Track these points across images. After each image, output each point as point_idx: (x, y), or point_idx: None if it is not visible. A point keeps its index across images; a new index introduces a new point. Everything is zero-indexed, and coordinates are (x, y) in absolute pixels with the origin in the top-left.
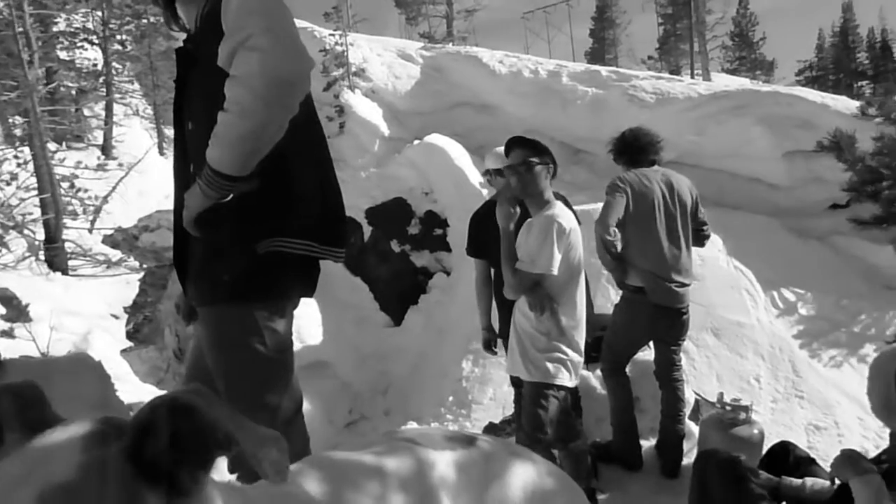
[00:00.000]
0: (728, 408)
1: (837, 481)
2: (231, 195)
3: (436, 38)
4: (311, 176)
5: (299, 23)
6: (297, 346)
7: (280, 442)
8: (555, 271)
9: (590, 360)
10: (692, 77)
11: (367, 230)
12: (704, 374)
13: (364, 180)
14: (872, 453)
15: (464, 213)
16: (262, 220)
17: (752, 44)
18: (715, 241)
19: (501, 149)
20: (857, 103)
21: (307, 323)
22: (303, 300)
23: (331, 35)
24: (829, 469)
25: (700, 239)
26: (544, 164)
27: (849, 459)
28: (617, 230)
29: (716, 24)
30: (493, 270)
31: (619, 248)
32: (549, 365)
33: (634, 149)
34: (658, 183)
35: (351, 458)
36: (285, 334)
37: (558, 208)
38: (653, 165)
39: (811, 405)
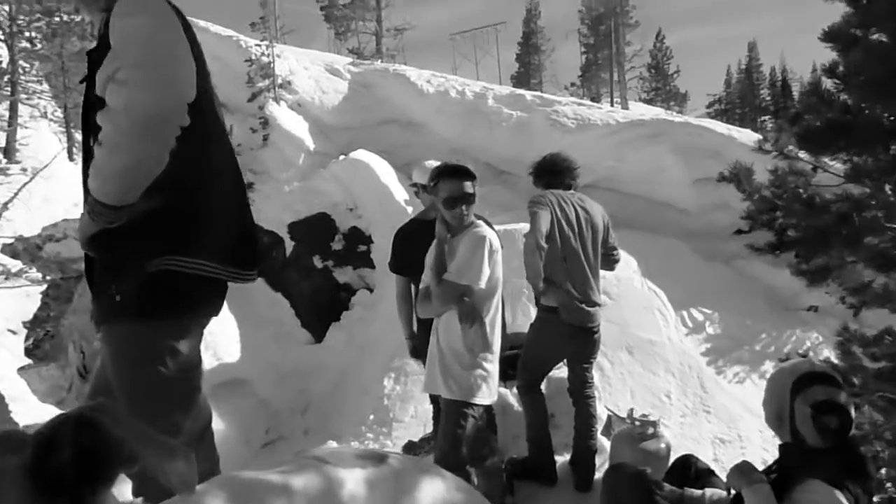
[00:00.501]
0: (638, 423)
1: (734, 491)
2: (120, 221)
3: (364, 54)
4: (215, 196)
5: (223, 31)
6: (212, 363)
7: (188, 454)
8: (482, 285)
9: (506, 377)
10: (611, 105)
11: (290, 245)
12: (619, 390)
13: (287, 194)
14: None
15: (388, 229)
16: (155, 239)
17: (667, 76)
18: (630, 263)
19: (430, 162)
20: (759, 136)
21: (224, 339)
22: (221, 316)
23: (257, 45)
24: (725, 480)
25: (610, 263)
26: (476, 189)
27: (741, 470)
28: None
29: (634, 56)
30: (414, 288)
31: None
32: (472, 382)
33: (553, 172)
34: (573, 206)
35: (258, 477)
36: (189, 354)
37: (485, 227)
38: (569, 189)
39: (717, 419)
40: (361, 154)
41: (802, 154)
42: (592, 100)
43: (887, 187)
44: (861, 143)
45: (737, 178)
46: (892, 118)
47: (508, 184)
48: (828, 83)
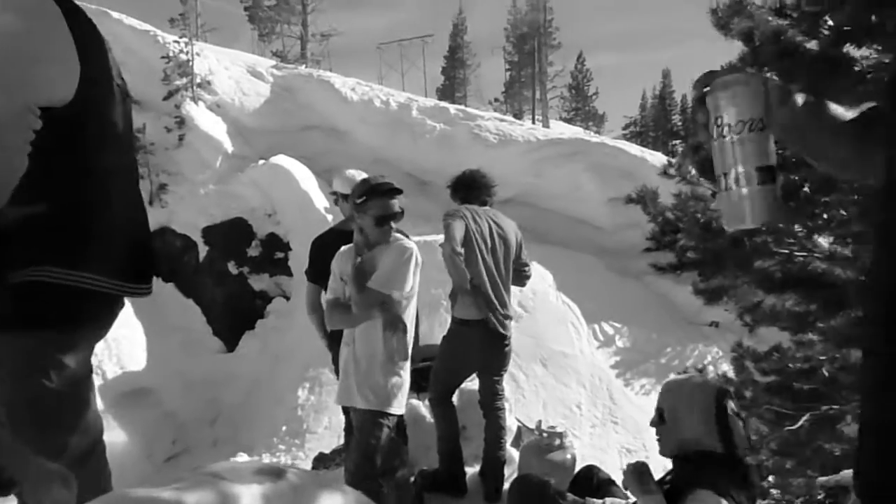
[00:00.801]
0: (545, 434)
1: (631, 497)
2: None
3: (289, 58)
4: (104, 202)
5: (139, 24)
6: (116, 371)
7: (67, 479)
8: (406, 295)
9: (419, 389)
10: (533, 122)
11: (203, 250)
12: (532, 401)
13: (203, 197)
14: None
15: (308, 236)
16: (27, 248)
17: (587, 97)
18: (545, 277)
19: (351, 171)
20: (668, 159)
21: (130, 347)
22: (127, 323)
23: (175, 42)
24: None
25: (521, 279)
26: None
27: (636, 473)
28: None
29: (556, 76)
30: (325, 296)
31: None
32: (389, 391)
33: (470, 188)
34: (487, 221)
35: (150, 494)
36: (78, 367)
37: (408, 240)
38: (484, 205)
39: (624, 430)
40: (282, 159)
41: (703, 180)
42: (515, 116)
43: None
44: None
45: (643, 200)
46: (780, 151)
47: (430, 195)
48: None
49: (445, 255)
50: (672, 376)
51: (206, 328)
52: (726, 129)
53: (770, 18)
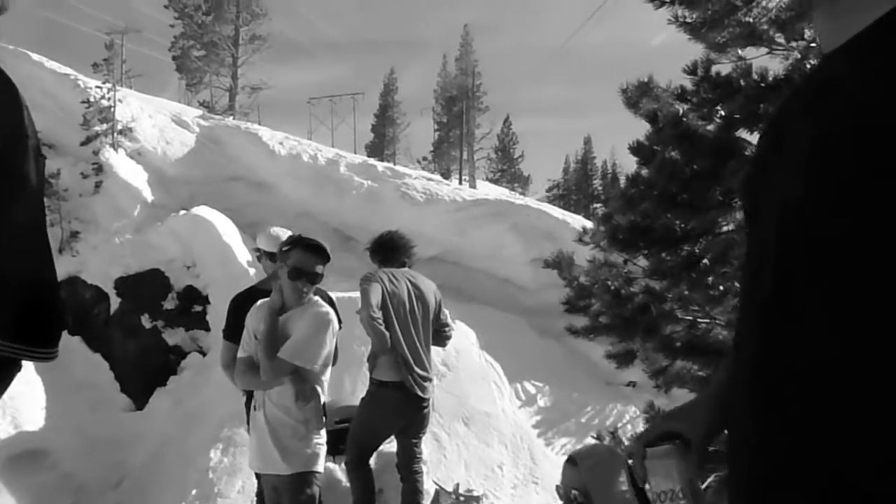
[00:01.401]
0: (462, 498)
1: None
2: None
3: (216, 108)
4: (6, 263)
5: (60, 68)
6: (9, 431)
7: None
8: (318, 367)
9: (336, 451)
10: (460, 182)
11: (115, 302)
12: (454, 461)
13: (118, 247)
14: None
15: (228, 291)
16: None
17: (513, 159)
18: (469, 335)
19: (276, 229)
20: (589, 223)
21: (27, 405)
22: (26, 379)
23: (97, 87)
24: None
25: (441, 339)
26: (324, 274)
27: None
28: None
29: (483, 138)
30: None
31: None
32: (311, 452)
33: (389, 249)
34: (405, 283)
35: None
36: None
37: (326, 306)
38: (403, 267)
39: (544, 490)
40: (204, 210)
41: (613, 249)
42: (443, 175)
43: (682, 284)
44: (659, 244)
45: (559, 265)
46: (682, 225)
47: (355, 251)
48: (632, 190)
49: (363, 321)
50: (574, 452)
51: (114, 385)
52: (652, 494)
53: (672, 102)
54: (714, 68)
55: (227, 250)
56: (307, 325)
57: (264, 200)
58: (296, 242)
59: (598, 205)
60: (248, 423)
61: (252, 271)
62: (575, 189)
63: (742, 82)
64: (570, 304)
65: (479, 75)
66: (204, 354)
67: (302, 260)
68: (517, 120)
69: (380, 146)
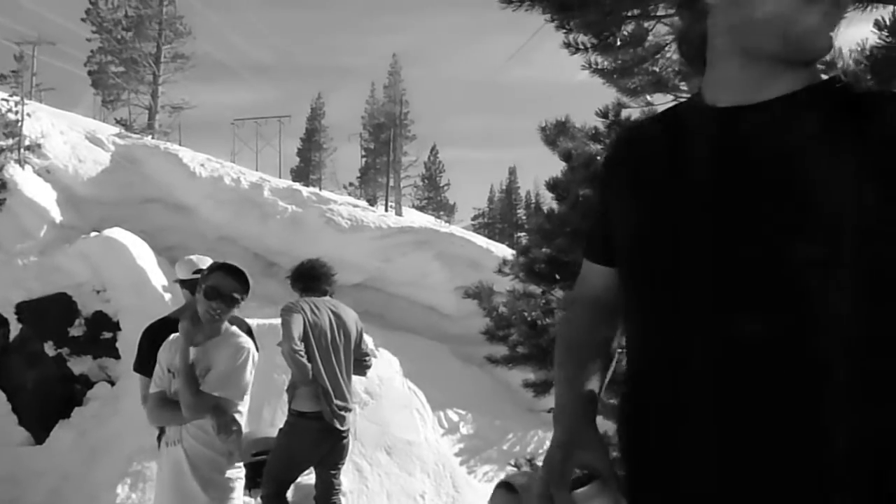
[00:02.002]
0: None
1: None
2: None
3: (134, 127)
4: None
5: None
6: None
7: None
8: (241, 397)
9: (253, 484)
10: (386, 209)
11: (16, 328)
12: (376, 492)
13: (21, 269)
14: None
15: (141, 317)
16: None
17: (439, 187)
18: (392, 363)
19: (194, 257)
20: (511, 253)
21: None
22: None
23: (4, 100)
24: None
25: (362, 368)
26: (241, 301)
27: None
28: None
29: (410, 166)
30: None
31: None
32: (231, 485)
33: (310, 278)
34: (327, 312)
35: None
36: None
37: (244, 336)
38: (325, 295)
39: None
40: (117, 232)
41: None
42: (369, 202)
43: None
44: (574, 277)
45: (479, 295)
46: None
47: (277, 276)
48: (548, 225)
49: (285, 353)
50: (510, 478)
51: (11, 417)
52: None
53: (587, 142)
54: (625, 112)
55: (141, 274)
56: (226, 357)
57: (183, 223)
58: (217, 267)
59: (522, 234)
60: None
61: (168, 297)
62: (500, 218)
63: None
64: (490, 334)
65: (408, 104)
66: (113, 384)
67: (220, 281)
68: (444, 149)
69: (305, 171)
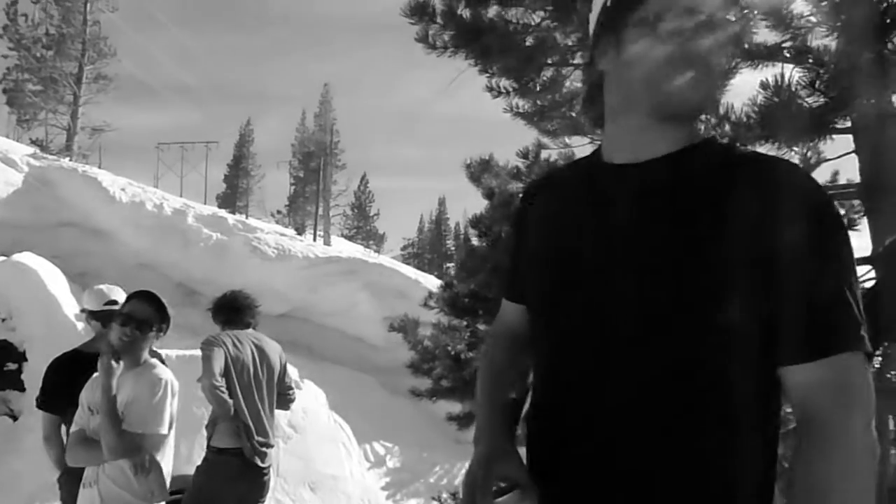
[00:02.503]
0: None
1: None
2: None
3: (51, 148)
4: None
5: None
6: None
7: None
8: (164, 431)
9: None
10: (314, 238)
11: None
12: None
13: None
14: None
15: (51, 347)
16: None
17: (368, 217)
18: (318, 395)
19: (106, 287)
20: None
21: None
22: None
23: None
24: None
25: (285, 403)
26: (160, 330)
27: None
28: (223, 378)
29: (339, 195)
30: (65, 428)
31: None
32: None
33: (233, 310)
34: (249, 345)
35: None
36: None
37: (163, 368)
38: (248, 328)
39: None
40: (27, 257)
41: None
42: (297, 230)
43: None
44: (494, 313)
45: (404, 328)
46: None
47: (200, 306)
48: (470, 261)
49: (205, 389)
50: None
51: None
52: None
53: (509, 180)
54: (544, 153)
55: (52, 302)
56: (144, 391)
57: (99, 249)
58: (134, 294)
59: (451, 264)
60: (61, 499)
61: (80, 325)
62: (429, 248)
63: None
64: (415, 367)
65: (338, 133)
66: (15, 419)
67: (135, 307)
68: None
69: (232, 197)
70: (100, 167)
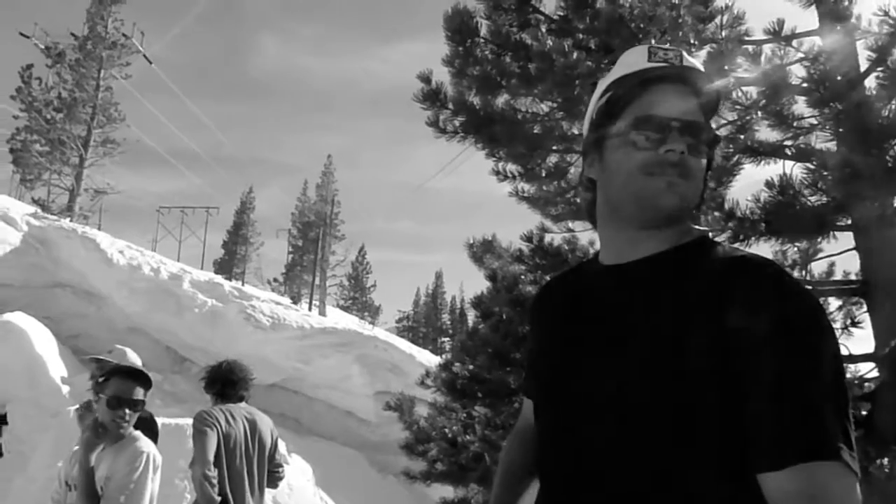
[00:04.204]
0: None
1: None
2: None
3: (52, 208)
4: None
5: None
6: None
7: None
8: None
9: None
10: (310, 308)
11: None
12: None
13: None
14: None
15: (34, 409)
16: None
17: (365, 288)
18: (305, 471)
19: (129, 352)
20: (437, 358)
21: None
22: None
23: None
24: None
25: (274, 481)
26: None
27: None
28: (215, 467)
29: (337, 265)
30: None
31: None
32: None
33: (227, 382)
34: (242, 421)
35: None
36: None
37: (145, 441)
38: (241, 402)
39: None
40: (17, 317)
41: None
42: (293, 299)
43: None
44: (494, 396)
45: (400, 408)
46: (515, 380)
47: (189, 373)
48: (469, 342)
49: (195, 479)
50: None
51: None
52: None
53: (511, 262)
54: (548, 237)
55: (39, 364)
56: (124, 464)
57: (92, 312)
58: (114, 371)
59: (446, 338)
60: None
61: (66, 388)
62: (424, 322)
63: (570, 255)
64: (409, 448)
65: (339, 204)
66: None
67: (121, 387)
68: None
69: (229, 264)
70: (99, 229)
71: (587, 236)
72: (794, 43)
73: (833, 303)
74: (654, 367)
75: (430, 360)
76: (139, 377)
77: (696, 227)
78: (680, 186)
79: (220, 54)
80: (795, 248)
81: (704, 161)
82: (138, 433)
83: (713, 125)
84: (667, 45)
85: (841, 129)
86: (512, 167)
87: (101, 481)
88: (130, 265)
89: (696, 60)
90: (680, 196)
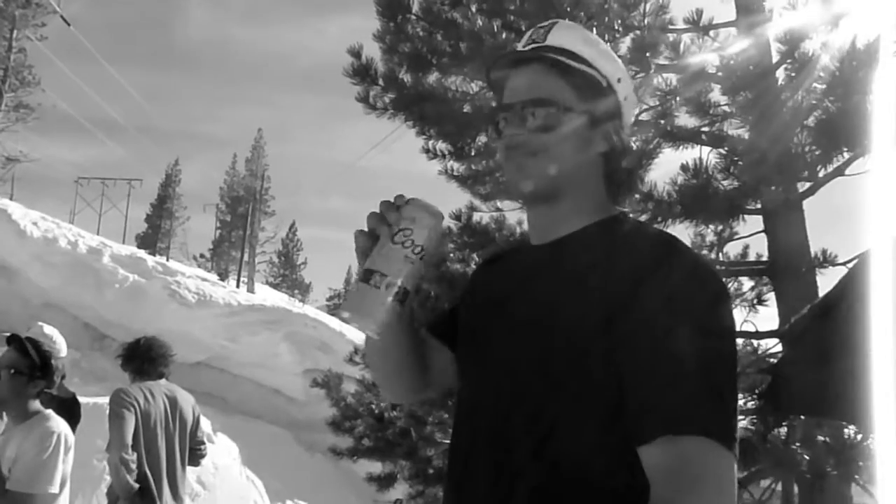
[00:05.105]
0: None
1: None
2: None
3: None
4: None
5: None
6: None
7: None
8: (55, 490)
9: None
10: (238, 284)
11: None
12: None
13: None
14: None
15: None
16: None
17: (295, 265)
18: (231, 450)
19: (46, 328)
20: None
21: None
22: None
23: None
24: None
25: (195, 458)
26: (33, 378)
27: None
28: (133, 450)
29: (266, 242)
30: None
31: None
32: None
33: (146, 359)
34: (162, 398)
35: None
36: None
37: (55, 420)
38: (161, 378)
39: None
40: None
41: None
42: (220, 276)
43: (441, 409)
44: None
45: (328, 384)
46: None
47: (109, 350)
48: None
49: (111, 463)
50: None
51: None
52: (408, 242)
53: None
54: (476, 216)
55: None
56: (33, 445)
57: (3, 286)
58: (9, 340)
59: None
60: None
61: None
62: None
63: (497, 234)
64: (336, 425)
65: (269, 179)
66: None
67: (16, 359)
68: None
69: (153, 238)
70: (11, 199)
71: (515, 216)
72: (712, 33)
73: (746, 283)
74: (540, 332)
75: (360, 337)
76: (19, 348)
77: (619, 207)
78: (529, 167)
79: (146, 19)
80: (711, 230)
81: (566, 129)
82: (50, 412)
83: (591, 96)
84: (546, 23)
85: (750, 117)
86: (442, 146)
87: (9, 462)
88: (45, 237)
89: (569, 32)
90: (533, 176)
